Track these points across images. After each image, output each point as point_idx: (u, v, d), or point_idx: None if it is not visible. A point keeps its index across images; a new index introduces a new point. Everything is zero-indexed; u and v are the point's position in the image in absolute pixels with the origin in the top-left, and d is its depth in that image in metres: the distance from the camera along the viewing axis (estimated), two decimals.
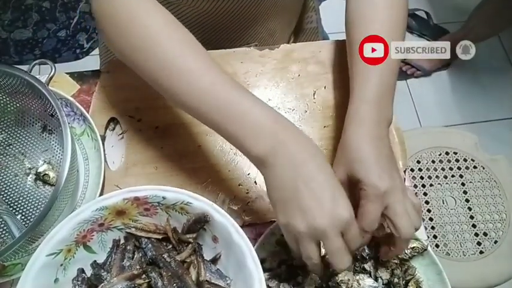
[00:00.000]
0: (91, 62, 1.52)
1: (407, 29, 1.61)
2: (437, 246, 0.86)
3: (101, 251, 0.48)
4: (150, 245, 0.47)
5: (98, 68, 0.69)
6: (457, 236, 0.87)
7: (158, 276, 0.44)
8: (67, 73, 0.62)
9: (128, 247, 0.48)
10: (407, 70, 1.51)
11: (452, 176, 0.93)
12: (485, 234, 0.87)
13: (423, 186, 0.92)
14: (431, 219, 0.89)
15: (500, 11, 1.26)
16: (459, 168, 0.93)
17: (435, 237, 0.87)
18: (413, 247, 0.51)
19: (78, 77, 0.61)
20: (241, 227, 0.45)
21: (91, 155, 0.55)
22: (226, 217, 0.44)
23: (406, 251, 0.50)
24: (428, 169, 0.93)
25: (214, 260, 0.48)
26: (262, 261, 0.46)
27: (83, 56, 1.54)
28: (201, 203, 0.45)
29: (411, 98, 1.48)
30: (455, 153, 0.94)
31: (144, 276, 0.45)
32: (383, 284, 0.49)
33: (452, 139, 0.96)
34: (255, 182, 0.56)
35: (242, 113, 0.40)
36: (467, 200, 0.90)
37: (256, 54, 0.64)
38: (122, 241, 0.49)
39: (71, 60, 1.53)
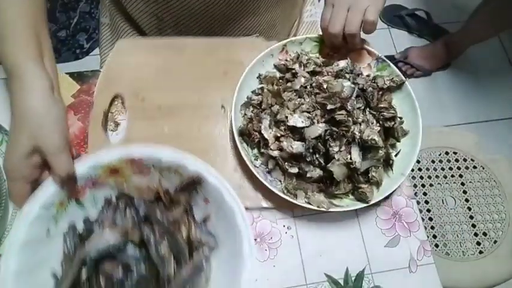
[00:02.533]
0: (91, 62, 1.52)
1: (407, 29, 1.61)
2: (436, 246, 0.86)
3: (92, 207, 0.48)
4: (142, 204, 0.47)
5: (98, 68, 0.69)
6: (457, 235, 0.87)
7: (151, 231, 0.45)
8: (67, 73, 0.62)
9: (120, 205, 0.48)
10: (407, 70, 1.51)
11: (452, 176, 0.93)
12: (484, 234, 0.87)
13: (423, 186, 0.92)
14: (430, 218, 0.89)
15: (500, 12, 1.26)
16: (459, 168, 0.93)
17: (435, 237, 0.87)
18: (392, 79, 0.57)
19: (78, 77, 0.62)
20: None
21: None
22: (219, 179, 0.45)
23: (385, 82, 0.57)
24: (428, 169, 0.93)
25: (205, 220, 0.49)
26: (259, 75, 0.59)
27: (83, 56, 1.54)
28: (195, 165, 0.46)
29: None
30: (455, 153, 0.94)
31: (136, 231, 0.46)
32: (358, 89, 0.54)
33: (452, 139, 0.96)
34: (248, 167, 0.56)
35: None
36: (467, 200, 0.90)
37: (263, 44, 0.65)
38: (114, 199, 0.49)
39: (71, 60, 1.52)
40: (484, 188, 0.91)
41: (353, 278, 0.53)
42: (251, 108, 0.58)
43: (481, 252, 0.85)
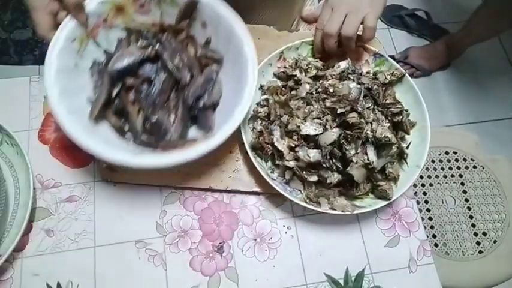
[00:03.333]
0: None
1: (406, 29, 1.61)
2: (436, 245, 0.86)
3: (108, 47, 0.55)
4: (150, 36, 0.55)
5: None
6: (457, 235, 0.87)
7: (163, 49, 0.53)
8: None
9: (132, 39, 0.55)
10: (407, 70, 1.50)
11: (452, 175, 0.93)
12: (484, 234, 0.87)
13: (423, 185, 0.92)
14: (430, 218, 0.89)
15: (500, 12, 1.26)
16: (459, 168, 0.93)
17: (434, 236, 0.87)
18: (393, 72, 0.58)
19: None
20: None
21: (15, 161, 0.55)
22: None
23: (386, 76, 0.58)
24: (428, 169, 0.93)
25: (207, 43, 0.57)
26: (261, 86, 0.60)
27: None
28: None
29: None
30: (455, 152, 0.94)
31: (150, 48, 0.53)
32: (365, 88, 0.54)
33: (452, 139, 0.96)
34: (246, 152, 0.56)
35: None
36: (466, 200, 0.91)
37: (275, 33, 0.66)
38: (125, 36, 0.56)
39: None
40: (484, 187, 0.91)
41: (353, 278, 0.53)
42: (259, 121, 0.57)
43: (480, 252, 0.85)
